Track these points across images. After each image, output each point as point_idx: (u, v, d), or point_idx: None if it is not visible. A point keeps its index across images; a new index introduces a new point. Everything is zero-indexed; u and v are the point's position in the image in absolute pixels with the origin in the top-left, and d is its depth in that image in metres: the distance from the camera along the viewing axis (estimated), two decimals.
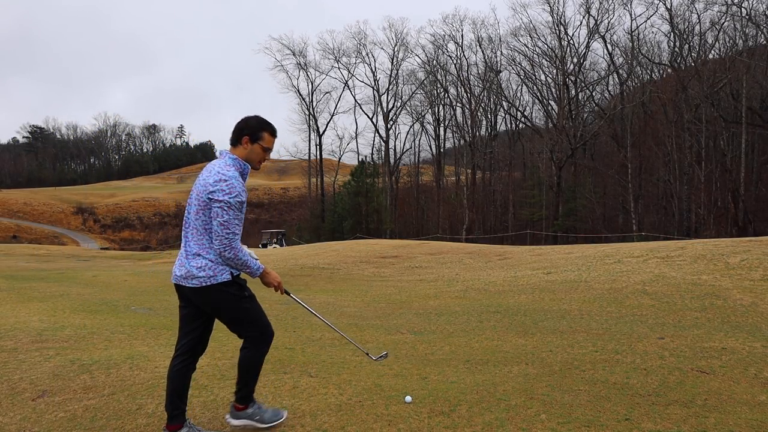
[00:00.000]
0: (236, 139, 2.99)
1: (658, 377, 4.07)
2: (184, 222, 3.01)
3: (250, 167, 3.02)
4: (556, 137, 45.31)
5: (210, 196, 2.82)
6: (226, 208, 2.79)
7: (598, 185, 44.41)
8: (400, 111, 58.05)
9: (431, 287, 11.03)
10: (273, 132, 3.05)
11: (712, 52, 41.35)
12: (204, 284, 2.86)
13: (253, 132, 2.99)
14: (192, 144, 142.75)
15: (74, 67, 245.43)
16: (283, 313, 7.56)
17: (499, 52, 54.16)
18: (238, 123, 3.03)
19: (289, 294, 3.28)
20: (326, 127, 58.24)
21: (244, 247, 2.96)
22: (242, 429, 3.15)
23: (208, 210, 2.84)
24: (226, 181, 2.82)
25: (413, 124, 60.94)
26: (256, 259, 3.03)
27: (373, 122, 58.28)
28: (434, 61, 55.44)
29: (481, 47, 54.39)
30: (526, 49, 49.94)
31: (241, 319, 3.00)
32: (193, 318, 3.04)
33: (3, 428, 3.27)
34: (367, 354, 3.86)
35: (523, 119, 55.50)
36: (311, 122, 57.33)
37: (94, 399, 3.74)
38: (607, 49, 45.72)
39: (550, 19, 57.35)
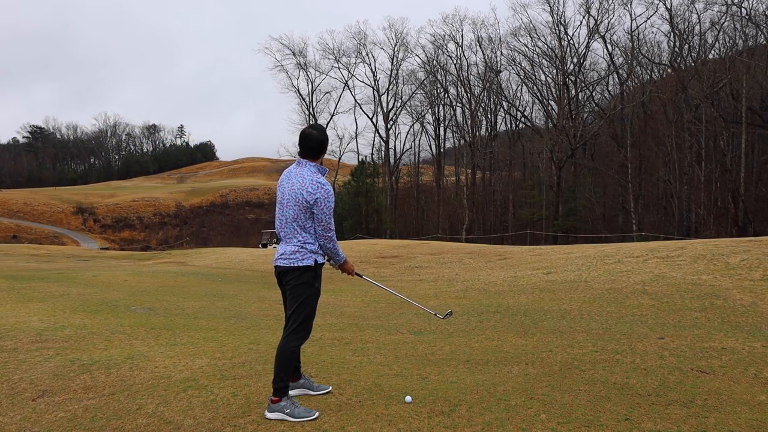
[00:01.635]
0: (321, 151, 3.51)
1: (658, 377, 4.07)
2: (278, 218, 3.53)
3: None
4: (556, 137, 45.31)
5: (312, 201, 3.36)
6: (327, 212, 3.39)
7: (598, 185, 44.42)
8: (400, 111, 58.04)
9: (431, 287, 11.04)
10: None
11: (712, 52, 41.40)
12: (291, 264, 3.41)
13: (327, 144, 3.57)
14: (192, 144, 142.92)
15: (75, 67, 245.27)
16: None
17: (499, 52, 54.13)
18: (323, 137, 3.49)
19: (361, 276, 3.98)
20: (326, 127, 58.08)
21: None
22: (276, 421, 3.28)
23: (305, 211, 3.39)
24: (325, 188, 3.38)
25: (413, 124, 60.93)
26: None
27: (373, 122, 58.24)
28: (434, 61, 55.44)
29: (481, 47, 54.41)
30: (526, 49, 49.98)
31: (301, 303, 3.41)
32: None
33: (3, 428, 3.27)
34: (435, 315, 4.54)
35: (523, 119, 55.54)
36: (311, 122, 57.25)
37: (94, 399, 3.74)
38: (607, 49, 45.75)
39: (550, 19, 57.40)
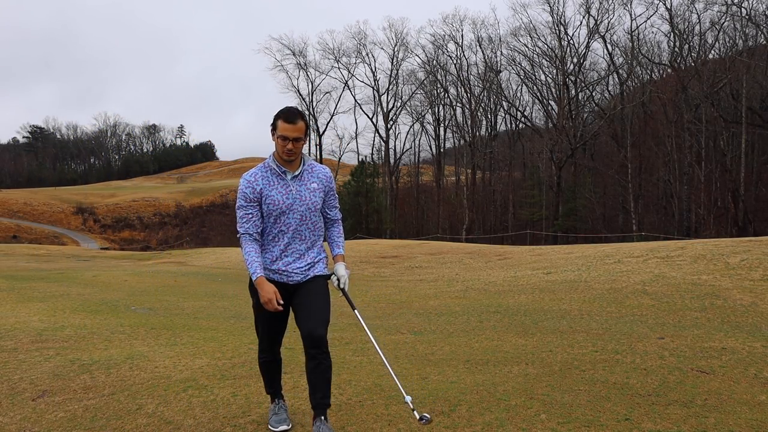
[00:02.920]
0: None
1: (658, 377, 4.07)
2: None
3: (277, 162, 2.97)
4: (556, 137, 45.32)
5: None
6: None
7: (598, 185, 44.43)
8: (400, 111, 57.99)
9: (431, 287, 11.03)
10: (286, 117, 2.85)
11: (712, 52, 41.41)
12: None
13: (272, 125, 2.92)
14: (192, 144, 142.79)
15: (75, 67, 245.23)
16: None
17: (499, 52, 54.08)
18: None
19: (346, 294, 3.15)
20: (326, 127, 58.02)
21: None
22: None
23: None
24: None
25: (413, 124, 60.83)
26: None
27: (373, 122, 58.20)
28: (434, 61, 55.39)
29: (481, 47, 54.36)
30: (526, 49, 49.97)
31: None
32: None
33: (3, 428, 3.27)
34: (413, 410, 3.11)
35: (523, 119, 55.52)
36: (311, 122, 57.19)
37: (94, 399, 3.74)
38: (607, 49, 45.76)
39: (550, 19, 57.18)
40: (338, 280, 3.09)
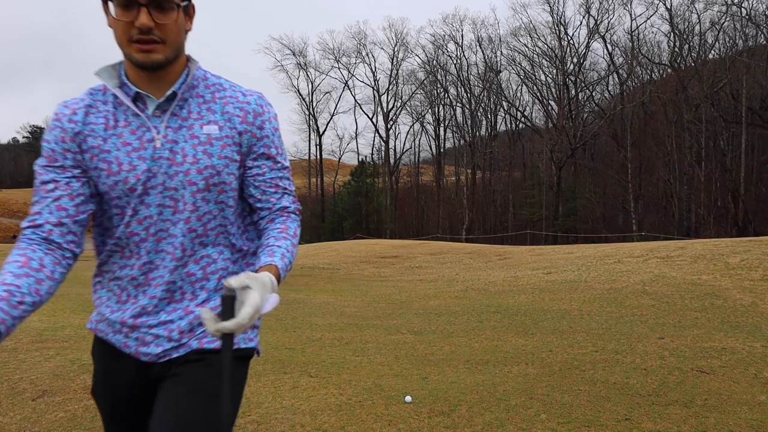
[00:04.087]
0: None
1: (658, 377, 4.07)
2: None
3: (127, 77, 1.29)
4: (556, 137, 45.33)
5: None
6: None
7: (598, 185, 44.43)
8: (400, 111, 58.06)
9: (431, 287, 11.03)
10: None
11: (712, 52, 41.42)
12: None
13: None
14: None
15: (76, 66, 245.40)
16: (282, 313, 7.57)
17: (499, 52, 54.27)
18: None
19: None
20: (326, 127, 58.18)
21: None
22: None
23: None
24: None
25: (413, 124, 60.95)
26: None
27: (373, 122, 58.28)
28: (434, 61, 55.46)
29: (481, 47, 54.44)
30: (526, 49, 50.02)
31: None
32: None
33: (3, 428, 3.27)
34: None
35: (523, 119, 55.56)
36: (311, 122, 57.32)
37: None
38: (607, 49, 45.78)
39: (550, 19, 57.43)
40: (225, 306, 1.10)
